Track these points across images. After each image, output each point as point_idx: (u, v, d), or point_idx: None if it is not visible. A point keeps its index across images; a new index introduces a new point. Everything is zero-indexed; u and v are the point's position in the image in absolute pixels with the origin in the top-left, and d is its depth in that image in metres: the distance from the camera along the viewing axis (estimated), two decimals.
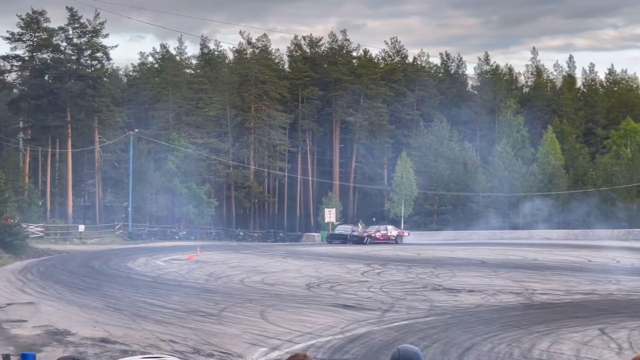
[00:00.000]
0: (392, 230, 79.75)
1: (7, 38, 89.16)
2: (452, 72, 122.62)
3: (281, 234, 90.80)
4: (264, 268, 46.49)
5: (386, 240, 77.53)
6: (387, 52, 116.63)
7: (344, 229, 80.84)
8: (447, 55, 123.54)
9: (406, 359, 6.04)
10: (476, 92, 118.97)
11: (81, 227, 78.36)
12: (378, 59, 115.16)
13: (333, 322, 26.07)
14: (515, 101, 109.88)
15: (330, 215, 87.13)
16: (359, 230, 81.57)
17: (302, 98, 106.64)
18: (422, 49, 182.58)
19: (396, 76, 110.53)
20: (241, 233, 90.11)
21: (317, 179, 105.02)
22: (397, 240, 77.86)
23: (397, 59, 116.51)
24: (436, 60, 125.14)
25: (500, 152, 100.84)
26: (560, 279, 40.91)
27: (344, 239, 77.45)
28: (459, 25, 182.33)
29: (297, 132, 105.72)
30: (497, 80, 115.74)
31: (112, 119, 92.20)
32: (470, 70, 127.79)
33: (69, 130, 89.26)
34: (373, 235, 77.78)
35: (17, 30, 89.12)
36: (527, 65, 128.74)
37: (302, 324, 25.53)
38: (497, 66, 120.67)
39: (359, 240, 76.45)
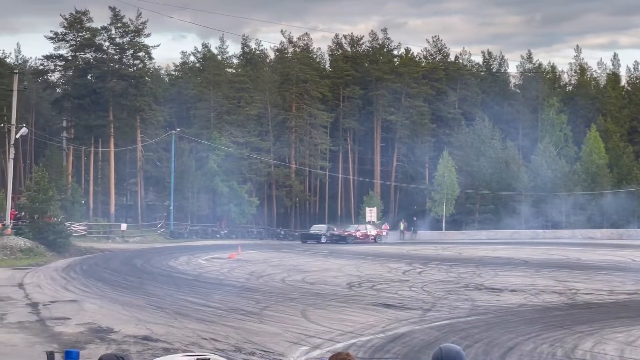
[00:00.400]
0: (371, 230, 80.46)
1: (51, 38, 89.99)
2: (494, 70, 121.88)
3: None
4: (305, 267, 46.56)
5: (365, 239, 78.51)
6: (428, 50, 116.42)
7: (318, 229, 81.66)
8: (489, 53, 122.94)
9: (448, 359, 6.02)
10: (519, 91, 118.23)
11: (123, 226, 78.96)
12: (419, 58, 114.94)
13: (374, 321, 26.04)
14: (558, 99, 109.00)
15: (371, 214, 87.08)
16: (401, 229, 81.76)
17: (343, 97, 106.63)
18: (464, 48, 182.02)
19: (438, 75, 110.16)
20: (282, 232, 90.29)
21: (358, 178, 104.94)
22: (375, 240, 78.86)
23: (438, 57, 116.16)
24: (478, 59, 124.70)
25: (542, 150, 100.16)
26: (604, 278, 40.55)
27: (317, 239, 77.99)
28: (502, 23, 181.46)
29: (338, 131, 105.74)
30: (540, 78, 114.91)
31: (154, 118, 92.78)
32: (512, 68, 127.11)
33: (112, 130, 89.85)
34: (353, 234, 78.34)
35: (60, 30, 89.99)
36: (570, 64, 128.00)
37: (343, 323, 25.53)
38: (540, 64, 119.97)
39: (340, 239, 77.28)
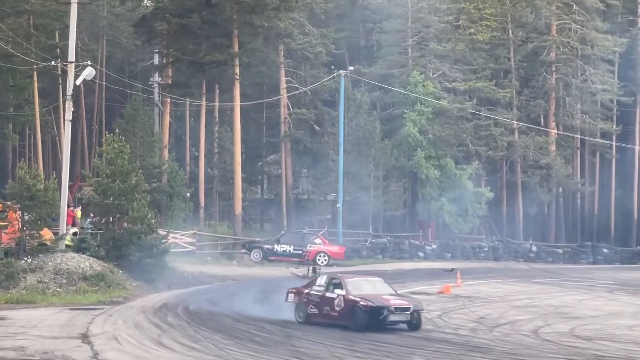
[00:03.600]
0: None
1: None
2: None
3: (605, 250, 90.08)
4: (575, 309, 46.44)
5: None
6: None
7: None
8: None
9: None
10: None
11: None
12: None
13: None
14: None
15: None
16: None
17: None
18: None
19: None
20: (533, 247, 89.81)
21: None
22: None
23: None
24: None
25: None
26: None
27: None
28: None
29: (633, 69, 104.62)
30: None
31: (309, 48, 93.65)
32: None
33: (236, 70, 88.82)
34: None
35: None
36: None
37: None
38: None
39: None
